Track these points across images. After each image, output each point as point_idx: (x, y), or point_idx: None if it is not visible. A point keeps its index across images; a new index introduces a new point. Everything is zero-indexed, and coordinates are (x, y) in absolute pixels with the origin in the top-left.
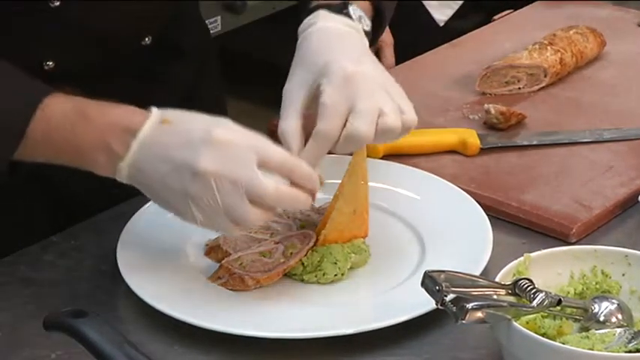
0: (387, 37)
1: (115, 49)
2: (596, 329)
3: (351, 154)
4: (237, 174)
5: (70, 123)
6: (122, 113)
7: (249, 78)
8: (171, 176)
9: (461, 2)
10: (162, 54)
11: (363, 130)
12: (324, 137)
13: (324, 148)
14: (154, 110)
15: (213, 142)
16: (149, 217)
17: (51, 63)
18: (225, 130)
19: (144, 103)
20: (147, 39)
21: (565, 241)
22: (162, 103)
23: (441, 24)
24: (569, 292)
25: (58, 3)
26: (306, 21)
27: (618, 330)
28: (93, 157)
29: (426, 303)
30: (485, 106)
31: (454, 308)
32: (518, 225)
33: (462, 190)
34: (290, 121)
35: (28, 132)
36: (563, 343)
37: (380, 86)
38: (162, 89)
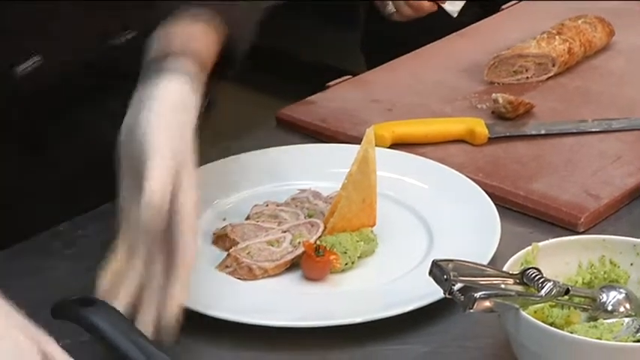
0: None
1: None
2: (605, 319)
3: (359, 143)
4: None
5: None
6: None
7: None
8: None
9: None
10: None
11: None
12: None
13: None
14: None
15: None
16: None
17: None
18: None
19: None
20: None
21: (573, 231)
22: None
23: (454, 15)
24: (577, 282)
25: None
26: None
27: (626, 319)
28: None
29: (433, 292)
30: (494, 95)
31: (462, 297)
32: (526, 214)
33: (469, 180)
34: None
35: None
36: (571, 333)
37: None
38: None
